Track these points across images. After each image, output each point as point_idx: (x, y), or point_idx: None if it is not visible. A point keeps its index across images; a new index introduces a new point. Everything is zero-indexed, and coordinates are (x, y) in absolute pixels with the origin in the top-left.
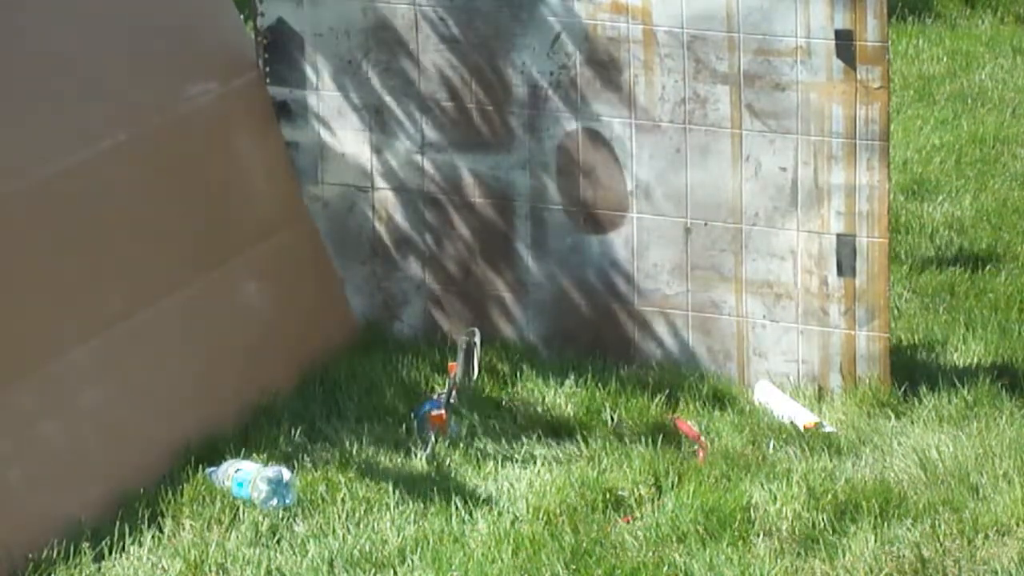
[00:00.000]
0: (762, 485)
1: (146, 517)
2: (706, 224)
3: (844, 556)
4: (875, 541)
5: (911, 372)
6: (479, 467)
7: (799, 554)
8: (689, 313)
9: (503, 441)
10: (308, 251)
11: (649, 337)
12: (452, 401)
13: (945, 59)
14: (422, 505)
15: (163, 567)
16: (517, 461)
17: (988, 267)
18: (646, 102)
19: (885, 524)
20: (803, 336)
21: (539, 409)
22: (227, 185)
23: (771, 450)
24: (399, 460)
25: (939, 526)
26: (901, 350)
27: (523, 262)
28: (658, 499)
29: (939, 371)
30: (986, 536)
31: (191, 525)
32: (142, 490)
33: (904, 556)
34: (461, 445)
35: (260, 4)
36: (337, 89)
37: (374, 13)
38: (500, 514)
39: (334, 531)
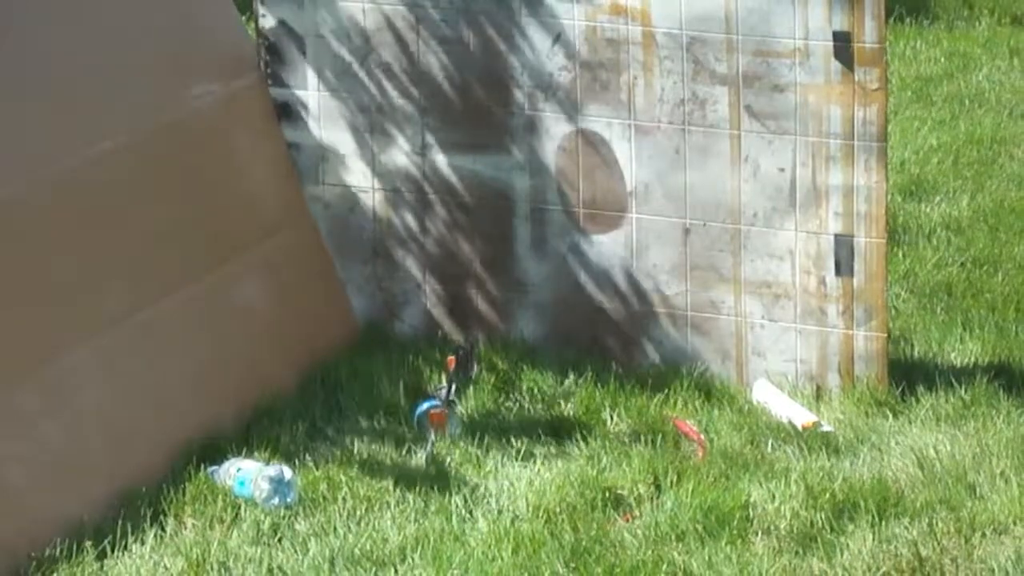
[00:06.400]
0: (760, 484)
1: (148, 516)
2: (705, 224)
3: (842, 555)
4: (873, 540)
5: (909, 372)
6: (479, 466)
7: (797, 552)
8: (688, 313)
9: (503, 440)
10: (309, 252)
11: (648, 337)
12: (452, 399)
13: (943, 60)
14: (423, 504)
15: (165, 565)
16: (517, 460)
17: (985, 267)
18: (645, 103)
19: (883, 523)
20: (801, 336)
21: (539, 409)
22: (228, 186)
23: (769, 449)
24: (400, 459)
25: (936, 525)
26: (899, 350)
27: (523, 262)
28: (657, 498)
29: (936, 371)
30: (983, 535)
31: (193, 524)
32: (144, 489)
33: (902, 555)
34: (461, 444)
35: (261, 5)
36: (338, 90)
37: (374, 14)
38: (500, 513)
39: (335, 529)
